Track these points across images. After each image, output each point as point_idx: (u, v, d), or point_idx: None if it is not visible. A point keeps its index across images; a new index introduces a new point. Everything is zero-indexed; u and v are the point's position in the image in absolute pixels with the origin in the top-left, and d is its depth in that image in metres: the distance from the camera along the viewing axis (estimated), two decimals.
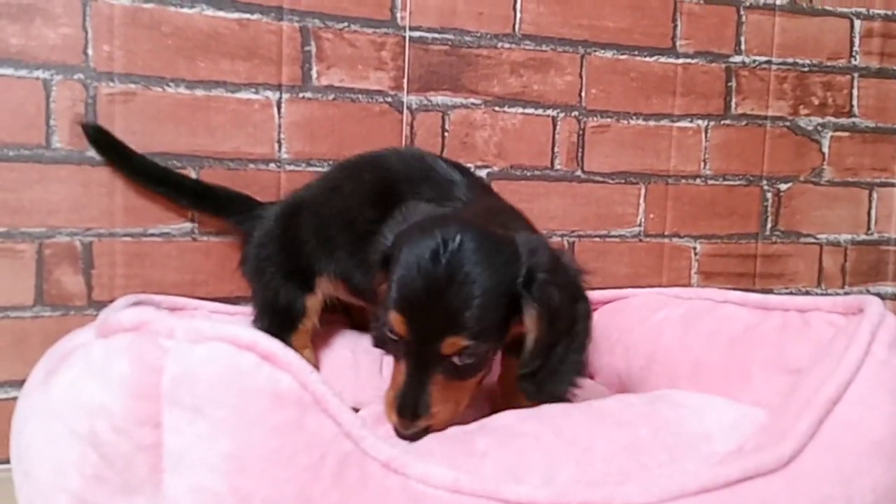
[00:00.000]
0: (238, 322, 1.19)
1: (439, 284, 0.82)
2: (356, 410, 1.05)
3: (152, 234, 1.27)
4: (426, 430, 0.85)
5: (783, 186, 1.62)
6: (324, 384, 0.69)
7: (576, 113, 1.48)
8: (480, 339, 0.84)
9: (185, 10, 1.25)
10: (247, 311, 1.21)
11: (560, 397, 0.91)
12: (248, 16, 1.28)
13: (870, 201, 1.68)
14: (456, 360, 0.84)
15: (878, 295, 1.68)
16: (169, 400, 0.66)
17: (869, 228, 1.68)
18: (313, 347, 1.17)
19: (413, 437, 0.84)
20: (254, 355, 0.68)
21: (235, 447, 0.64)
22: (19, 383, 0.93)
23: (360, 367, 1.18)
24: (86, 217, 1.23)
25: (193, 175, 1.27)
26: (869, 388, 0.75)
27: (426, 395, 0.85)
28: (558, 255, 0.92)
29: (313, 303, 1.16)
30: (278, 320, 1.13)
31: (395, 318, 0.84)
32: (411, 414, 0.85)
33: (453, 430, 0.85)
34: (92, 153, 1.22)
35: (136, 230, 1.26)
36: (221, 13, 1.27)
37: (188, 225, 1.28)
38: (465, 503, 0.68)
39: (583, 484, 0.71)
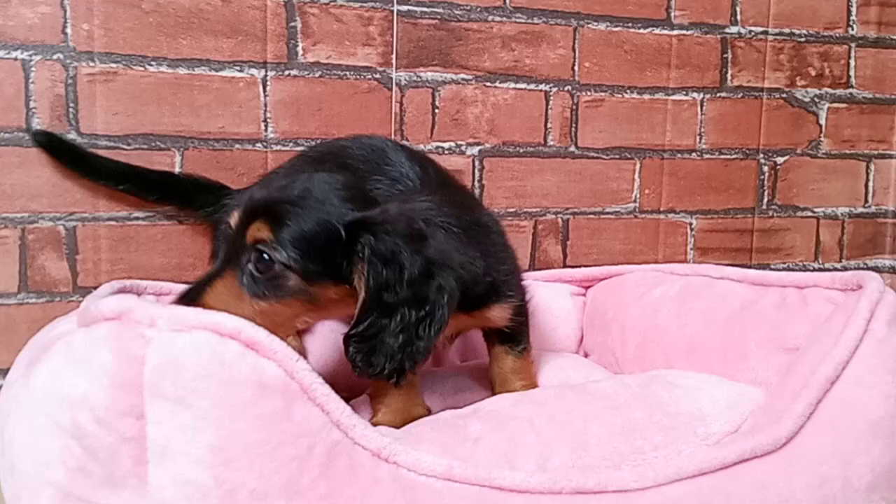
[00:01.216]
0: None
1: (278, 189, 0.86)
2: (348, 399, 1.04)
3: (137, 218, 1.24)
4: None
5: (780, 160, 1.59)
6: (311, 372, 0.67)
7: (569, 87, 1.45)
8: (287, 245, 0.81)
9: None
10: None
11: (386, 375, 0.83)
12: None
13: (867, 173, 1.66)
14: (255, 259, 0.81)
15: (876, 268, 1.67)
16: (151, 391, 0.65)
17: (866, 201, 1.66)
18: (299, 335, 1.15)
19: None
20: (237, 343, 0.66)
21: (219, 438, 0.63)
22: (5, 371, 0.91)
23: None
24: (69, 201, 1.21)
25: (178, 158, 1.25)
26: (867, 367, 0.74)
27: (208, 286, 0.84)
28: (428, 233, 0.86)
29: None
30: None
31: (233, 211, 0.87)
32: (188, 297, 0.83)
33: (447, 415, 0.84)
34: (74, 136, 1.20)
35: (121, 214, 1.24)
36: None
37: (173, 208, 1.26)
38: (458, 491, 0.66)
39: (577, 469, 0.70)
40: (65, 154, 1.19)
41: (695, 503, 0.67)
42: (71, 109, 1.20)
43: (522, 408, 0.80)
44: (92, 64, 1.20)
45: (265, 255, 0.81)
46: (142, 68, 1.22)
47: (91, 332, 0.68)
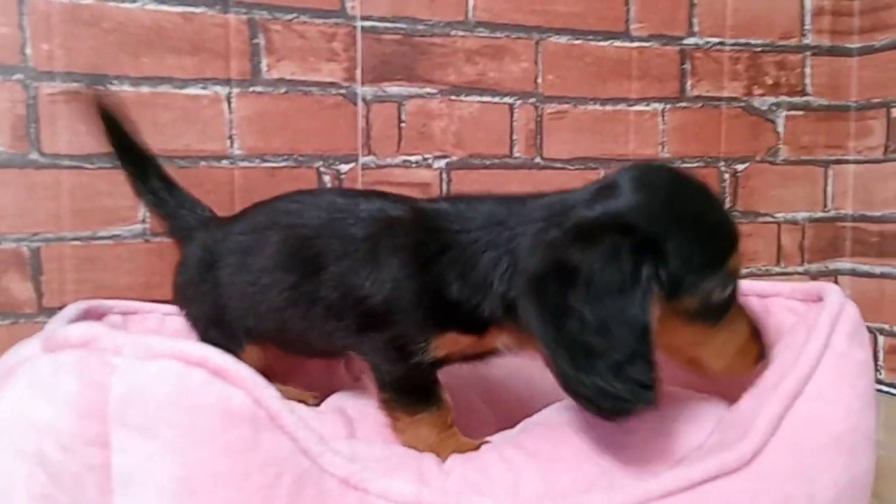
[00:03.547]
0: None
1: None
2: (318, 403, 1.03)
3: (102, 237, 1.23)
4: None
5: (740, 167, 1.62)
6: (280, 399, 0.67)
7: (533, 100, 1.46)
8: None
9: (127, 5, 1.21)
10: None
11: None
12: (192, 9, 1.24)
13: (825, 179, 1.69)
14: None
15: (837, 271, 1.70)
16: (116, 420, 0.64)
17: (825, 206, 1.70)
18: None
19: None
20: (204, 371, 0.65)
21: (185, 468, 0.62)
22: None
23: (315, 361, 1.17)
24: (32, 222, 1.19)
25: None
26: (829, 382, 0.75)
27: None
28: None
29: (247, 357, 1.02)
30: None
31: (736, 259, 0.84)
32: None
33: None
34: (35, 156, 1.18)
35: (85, 233, 1.22)
36: (164, 7, 1.23)
37: (139, 226, 1.25)
38: None
39: (547, 497, 0.70)
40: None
41: None
42: (32, 130, 1.18)
43: (492, 440, 0.81)
44: (53, 84, 1.18)
45: None
46: (104, 87, 1.21)
47: (57, 359, 0.67)
